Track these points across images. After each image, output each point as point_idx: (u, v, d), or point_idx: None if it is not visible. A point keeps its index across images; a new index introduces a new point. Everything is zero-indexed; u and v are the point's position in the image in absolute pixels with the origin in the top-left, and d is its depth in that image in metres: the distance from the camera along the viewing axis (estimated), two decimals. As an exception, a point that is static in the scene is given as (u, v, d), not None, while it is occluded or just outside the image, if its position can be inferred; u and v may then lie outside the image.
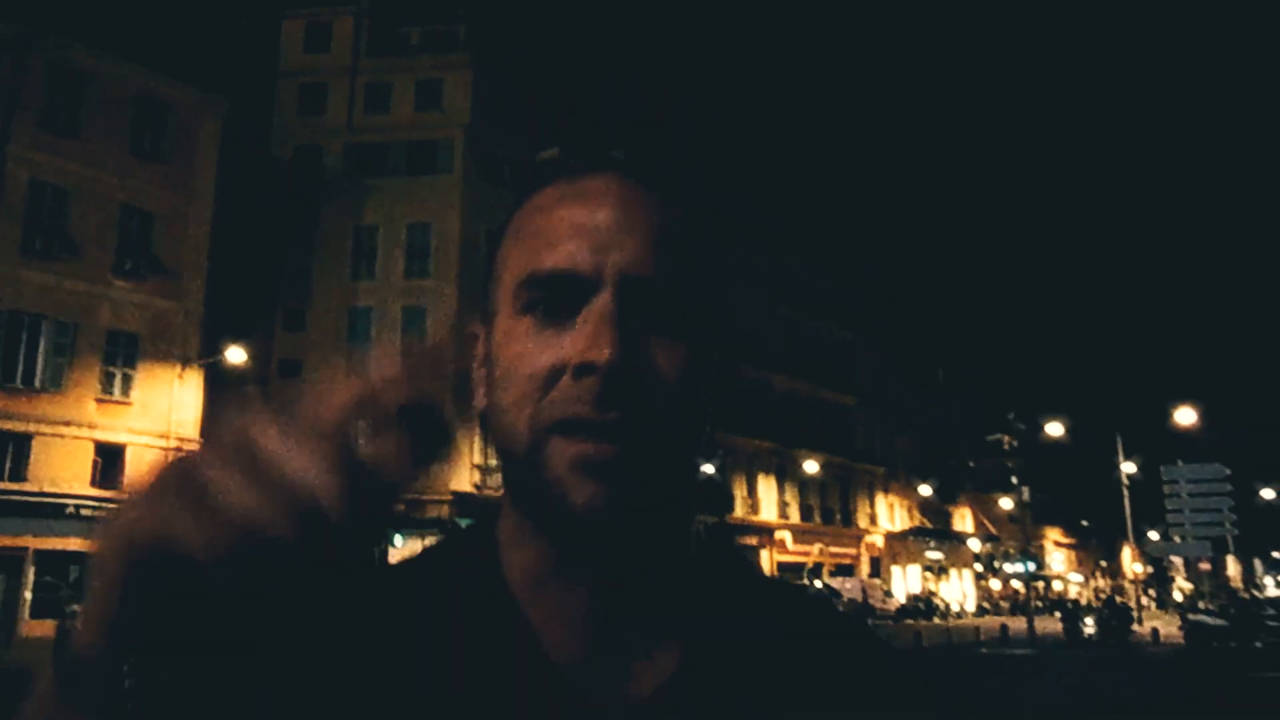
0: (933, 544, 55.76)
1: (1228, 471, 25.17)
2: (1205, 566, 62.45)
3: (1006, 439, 67.01)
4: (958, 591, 58.55)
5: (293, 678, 0.56)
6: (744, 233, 43.37)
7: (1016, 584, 58.97)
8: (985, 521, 62.72)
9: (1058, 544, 74.05)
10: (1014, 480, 48.49)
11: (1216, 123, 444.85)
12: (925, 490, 55.84)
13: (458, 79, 34.67)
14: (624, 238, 0.61)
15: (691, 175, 40.93)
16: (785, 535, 44.57)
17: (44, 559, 23.15)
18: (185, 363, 26.94)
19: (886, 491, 53.59)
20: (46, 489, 23.55)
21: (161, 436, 25.65)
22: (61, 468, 24.03)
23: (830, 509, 48.47)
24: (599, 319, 0.58)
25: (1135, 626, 30.02)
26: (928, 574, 55.99)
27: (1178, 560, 71.00)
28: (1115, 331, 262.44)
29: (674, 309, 0.61)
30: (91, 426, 24.93)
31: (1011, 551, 55.00)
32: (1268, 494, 51.15)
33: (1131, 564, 52.23)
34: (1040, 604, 52.74)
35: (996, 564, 60.32)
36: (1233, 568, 76.75)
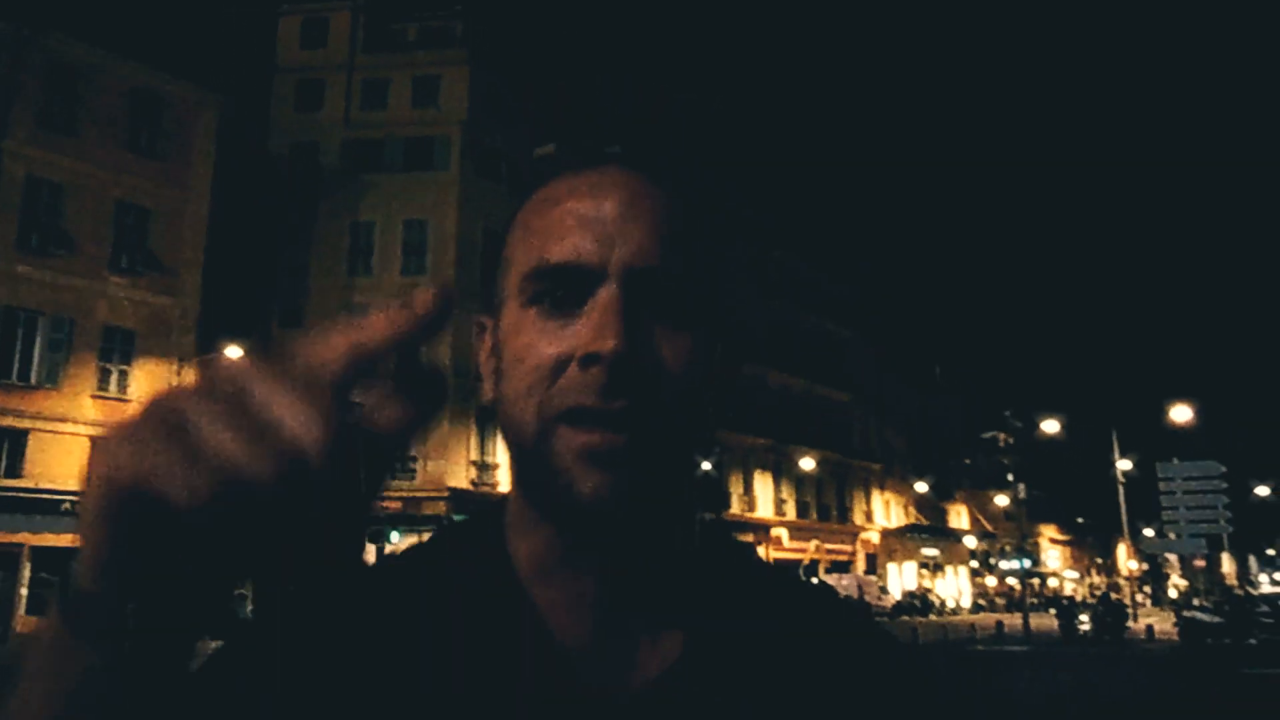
0: (929, 541, 55.87)
1: (1223, 469, 25.20)
2: (1200, 563, 62.87)
3: (1002, 436, 67.01)
4: (953, 588, 58.64)
5: (298, 667, 0.57)
6: (740, 228, 43.36)
7: (1012, 581, 59.07)
8: (981, 518, 62.82)
9: (1053, 541, 74.21)
10: (1010, 477, 48.41)
11: (1213, 120, 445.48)
12: (921, 487, 55.94)
13: (455, 75, 34.60)
14: (629, 230, 0.62)
15: (690, 169, 40.99)
16: (781, 532, 44.61)
17: (40, 555, 23.12)
18: (182, 359, 26.88)
19: (882, 488, 53.63)
20: (43, 485, 23.49)
21: (159, 433, 25.58)
22: (58, 464, 23.98)
23: (826, 506, 48.49)
24: (604, 310, 0.59)
25: (1130, 623, 30.05)
26: (923, 571, 56.07)
27: (1173, 557, 71.42)
28: (1111, 329, 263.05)
29: (678, 300, 0.62)
30: (88, 423, 24.90)
31: (1007, 548, 55.04)
32: (1262, 491, 51.37)
33: (1127, 561, 52.30)
34: (1036, 601, 52.73)
35: (992, 561, 60.38)
36: (1227, 565, 76.86)
